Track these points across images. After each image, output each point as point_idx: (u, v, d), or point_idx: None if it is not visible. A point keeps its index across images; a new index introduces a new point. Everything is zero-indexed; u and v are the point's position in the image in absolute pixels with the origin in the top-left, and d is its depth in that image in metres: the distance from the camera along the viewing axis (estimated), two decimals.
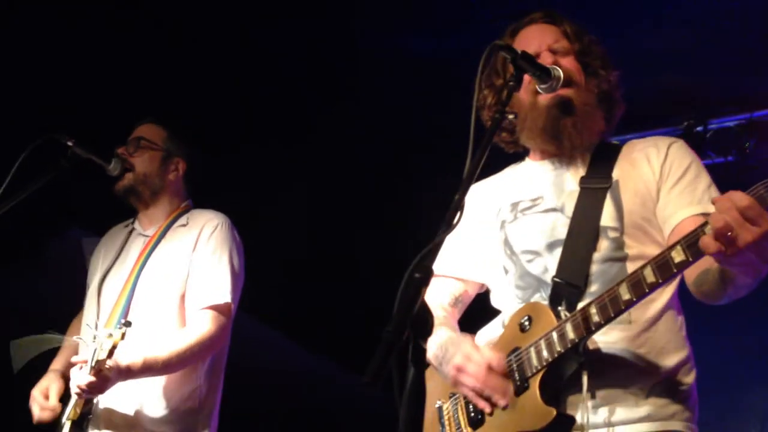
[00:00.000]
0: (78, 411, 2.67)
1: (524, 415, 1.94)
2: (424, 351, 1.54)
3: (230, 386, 3.00)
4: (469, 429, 2.08)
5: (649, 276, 1.81)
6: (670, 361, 2.04)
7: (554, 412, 1.90)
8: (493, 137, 1.83)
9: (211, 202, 3.12)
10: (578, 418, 1.92)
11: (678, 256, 1.77)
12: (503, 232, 2.23)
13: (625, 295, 1.84)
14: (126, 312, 2.81)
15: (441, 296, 2.34)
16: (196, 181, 3.18)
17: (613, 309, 1.86)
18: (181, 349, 2.70)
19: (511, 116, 1.83)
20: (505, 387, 1.98)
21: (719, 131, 5.37)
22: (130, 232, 3.09)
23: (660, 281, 1.80)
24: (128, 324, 2.61)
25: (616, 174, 2.16)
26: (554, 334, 1.95)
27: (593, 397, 1.95)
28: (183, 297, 2.85)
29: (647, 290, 1.81)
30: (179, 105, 4.28)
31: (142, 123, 3.18)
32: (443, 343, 2.12)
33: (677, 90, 5.21)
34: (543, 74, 1.97)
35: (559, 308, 2.01)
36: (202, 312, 2.79)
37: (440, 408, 2.17)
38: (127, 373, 2.63)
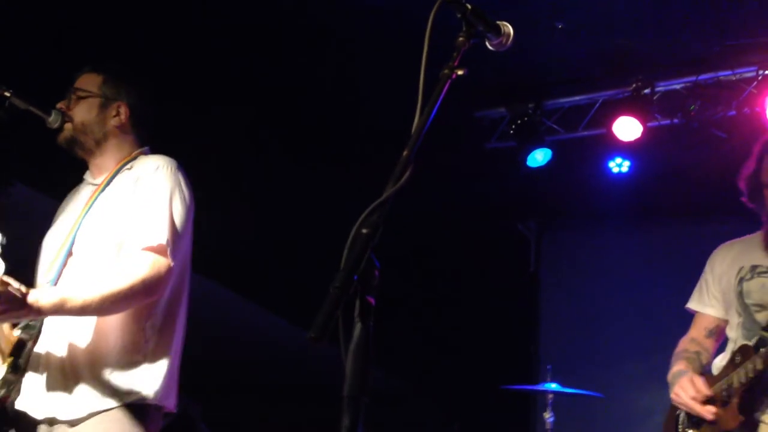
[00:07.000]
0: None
1: (726, 419, 2.94)
2: (371, 306, 1.55)
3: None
4: (693, 429, 3.08)
5: None
6: None
7: (742, 418, 2.88)
8: (442, 94, 1.80)
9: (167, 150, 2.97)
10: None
11: None
12: (741, 286, 3.06)
13: None
14: (63, 265, 2.72)
15: (698, 330, 3.24)
16: (147, 125, 3.01)
17: None
18: (114, 290, 2.58)
19: (460, 72, 1.80)
20: (704, 408, 2.96)
21: (666, 93, 5.44)
22: (83, 184, 3.01)
23: None
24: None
25: None
26: (749, 366, 2.88)
27: None
28: (120, 244, 2.77)
29: None
30: (127, 57, 4.17)
31: (79, 74, 3.04)
32: (673, 375, 3.15)
33: (627, 52, 5.25)
34: (494, 31, 1.95)
35: (762, 349, 2.87)
36: (139, 254, 2.68)
37: (678, 415, 3.15)
38: (61, 306, 2.52)
